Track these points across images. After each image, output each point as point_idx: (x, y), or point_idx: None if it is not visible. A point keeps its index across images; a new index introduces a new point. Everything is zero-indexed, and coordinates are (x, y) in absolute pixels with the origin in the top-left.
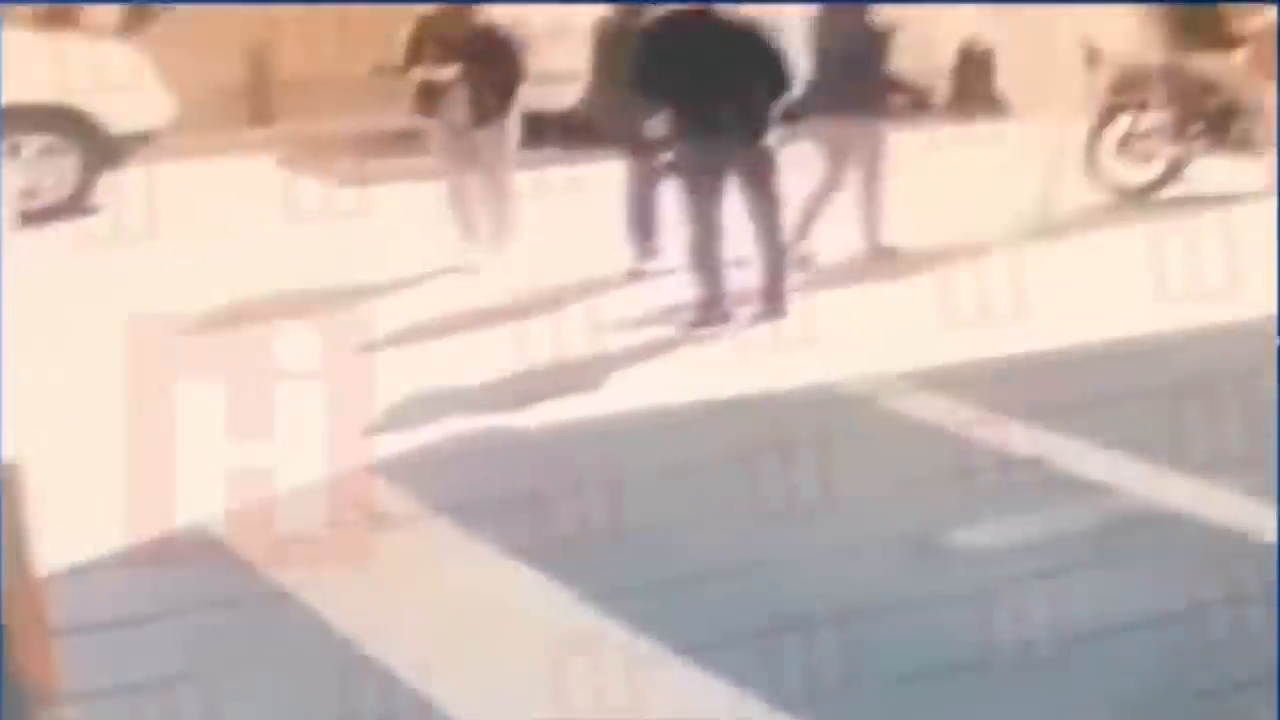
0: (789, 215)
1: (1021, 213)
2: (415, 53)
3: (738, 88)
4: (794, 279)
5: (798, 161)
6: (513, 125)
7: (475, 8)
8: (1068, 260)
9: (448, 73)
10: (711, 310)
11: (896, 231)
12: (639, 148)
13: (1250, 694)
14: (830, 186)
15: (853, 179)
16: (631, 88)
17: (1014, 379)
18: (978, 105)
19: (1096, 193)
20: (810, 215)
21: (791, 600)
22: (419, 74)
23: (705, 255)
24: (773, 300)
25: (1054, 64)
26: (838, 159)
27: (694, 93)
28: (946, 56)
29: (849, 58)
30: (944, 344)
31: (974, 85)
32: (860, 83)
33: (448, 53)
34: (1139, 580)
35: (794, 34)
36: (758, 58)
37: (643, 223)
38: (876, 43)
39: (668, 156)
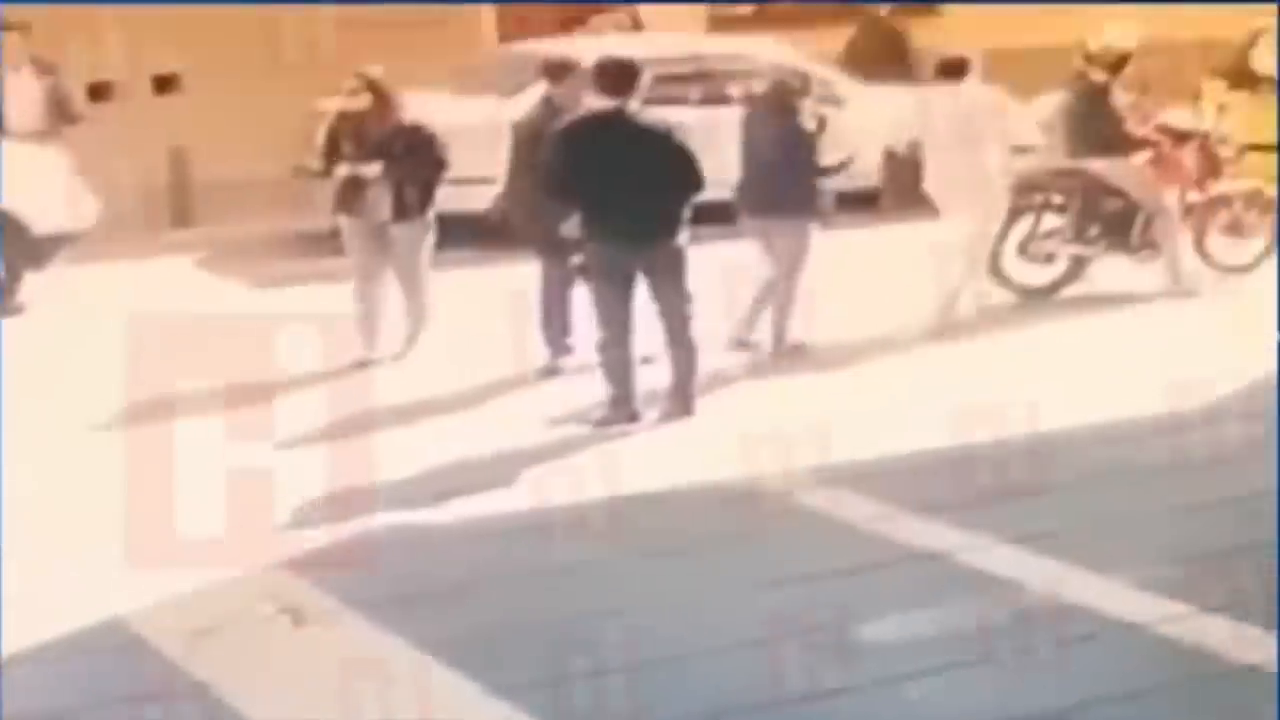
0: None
1: (932, 310)
2: (334, 150)
3: (649, 189)
4: (709, 373)
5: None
6: (429, 222)
7: (394, 104)
8: (970, 358)
9: (369, 169)
10: (620, 409)
11: (811, 327)
12: (553, 248)
13: None
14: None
15: (772, 276)
16: (545, 189)
17: (919, 474)
18: (905, 203)
19: (1002, 292)
20: (757, 308)
21: (702, 693)
22: (341, 171)
23: (614, 355)
24: (681, 399)
25: (977, 164)
26: (771, 256)
27: (606, 194)
28: (874, 156)
29: (777, 157)
30: (851, 440)
31: (901, 184)
32: (788, 182)
33: (368, 149)
34: (1041, 674)
35: (727, 134)
36: (668, 159)
37: (557, 321)
38: (804, 142)
39: (577, 259)
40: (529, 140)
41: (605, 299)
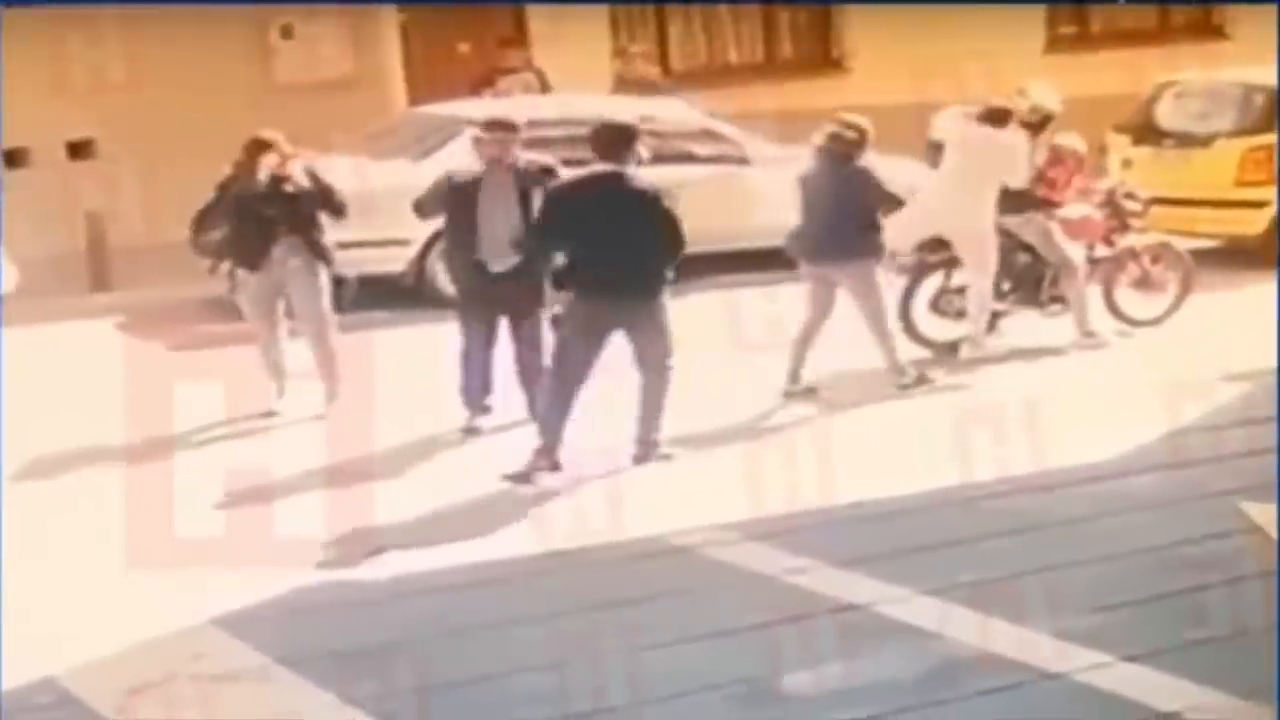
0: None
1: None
2: (206, 218)
3: (639, 249)
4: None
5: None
6: (328, 274)
7: (289, 163)
8: (882, 413)
9: (265, 226)
10: (545, 458)
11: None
12: (483, 306)
13: None
14: (814, 323)
15: (859, 318)
16: (535, 242)
17: (838, 527)
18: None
19: (914, 347)
20: (802, 349)
21: None
22: (213, 237)
23: (559, 406)
24: (646, 446)
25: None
26: (822, 298)
27: (598, 251)
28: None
29: (838, 203)
30: (770, 495)
31: None
32: (851, 227)
33: (266, 207)
34: None
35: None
36: (658, 221)
37: (477, 381)
38: (866, 186)
39: (555, 309)
40: (463, 198)
41: (575, 352)
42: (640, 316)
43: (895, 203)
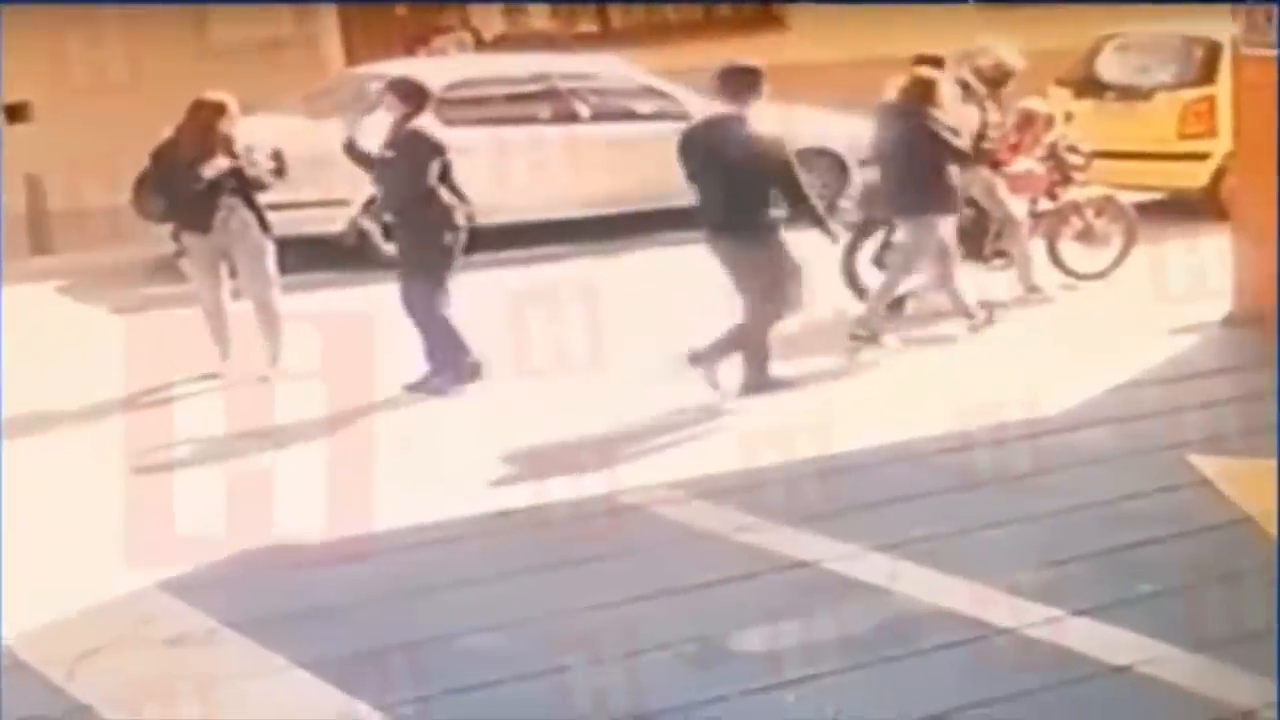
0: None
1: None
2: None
3: (755, 187)
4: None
5: None
6: (269, 235)
7: (222, 125)
8: (831, 368)
9: (209, 189)
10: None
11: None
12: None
13: None
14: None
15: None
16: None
17: (789, 485)
18: None
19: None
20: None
21: (581, 705)
22: (182, 199)
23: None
24: (758, 369)
25: None
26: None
27: (715, 188)
28: None
29: (911, 157)
30: (717, 453)
31: None
32: (924, 180)
33: (200, 171)
34: (912, 680)
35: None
36: (775, 161)
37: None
38: (938, 140)
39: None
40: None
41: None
42: (755, 252)
43: (964, 157)
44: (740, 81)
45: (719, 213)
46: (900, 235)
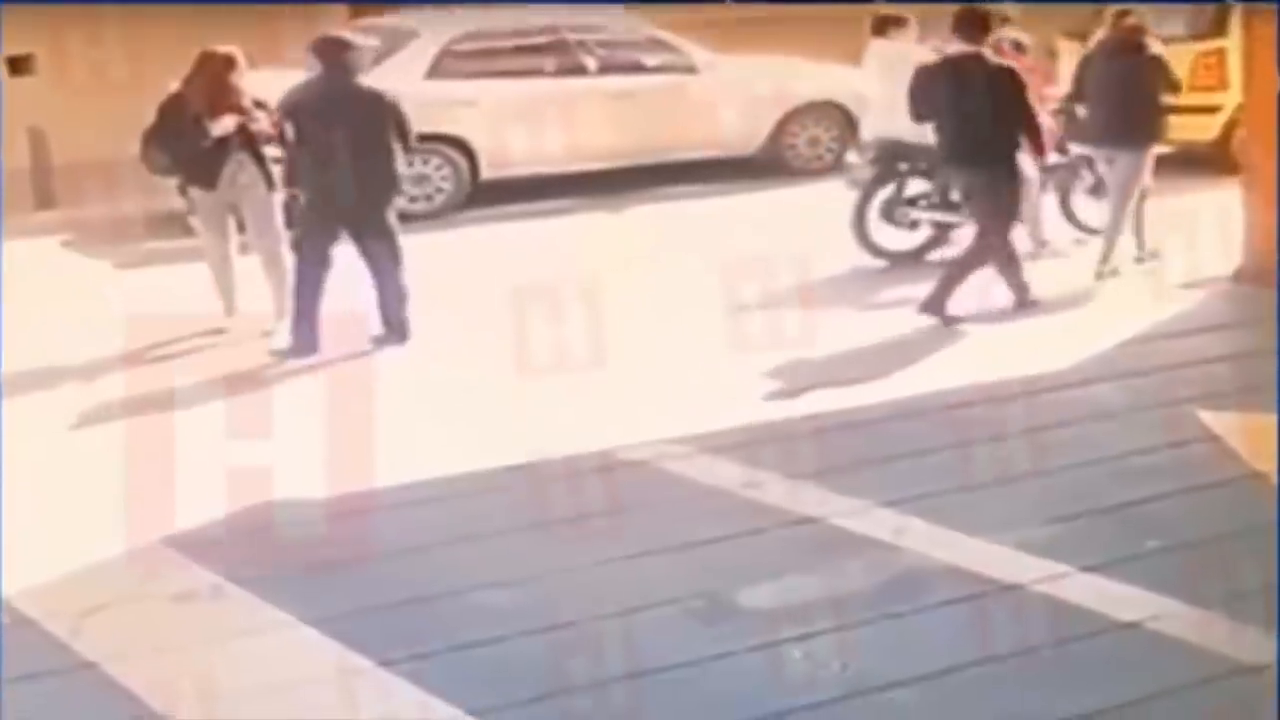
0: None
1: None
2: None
3: (992, 121)
4: None
5: None
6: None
7: (231, 79)
8: (840, 322)
9: (217, 144)
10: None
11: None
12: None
13: None
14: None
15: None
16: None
17: (795, 441)
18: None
19: (869, 257)
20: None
21: (583, 660)
22: (190, 153)
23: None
24: (1018, 288)
25: None
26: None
27: (954, 122)
28: (735, 123)
29: (1126, 90)
30: (724, 408)
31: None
32: (1137, 112)
33: (211, 125)
34: (920, 636)
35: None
36: (1010, 94)
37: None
38: (1153, 74)
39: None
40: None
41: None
42: (993, 181)
43: (1178, 87)
44: (975, 21)
45: (968, 143)
46: (1110, 168)
